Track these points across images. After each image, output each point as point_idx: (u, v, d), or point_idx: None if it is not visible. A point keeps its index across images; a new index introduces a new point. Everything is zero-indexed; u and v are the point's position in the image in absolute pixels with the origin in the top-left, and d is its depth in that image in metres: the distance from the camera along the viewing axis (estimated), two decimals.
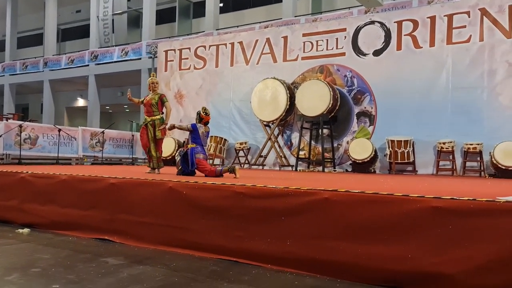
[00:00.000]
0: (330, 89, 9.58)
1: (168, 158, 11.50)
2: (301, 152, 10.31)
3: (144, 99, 6.76)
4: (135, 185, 4.39)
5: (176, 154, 6.14)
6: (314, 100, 9.67)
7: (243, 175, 6.19)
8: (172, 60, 12.96)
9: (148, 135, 6.51)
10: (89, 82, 21.05)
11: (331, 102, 9.53)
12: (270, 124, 10.81)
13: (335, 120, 9.99)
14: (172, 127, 6.02)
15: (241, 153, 11.41)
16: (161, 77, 13.36)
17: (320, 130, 9.87)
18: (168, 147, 11.47)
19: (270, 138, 10.55)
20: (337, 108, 9.85)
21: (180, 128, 5.94)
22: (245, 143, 11.10)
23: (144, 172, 6.50)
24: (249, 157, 11.28)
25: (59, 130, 10.95)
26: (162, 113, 6.70)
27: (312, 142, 10.29)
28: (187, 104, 12.51)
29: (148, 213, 4.20)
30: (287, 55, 10.93)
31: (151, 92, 6.68)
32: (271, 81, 10.50)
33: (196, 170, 5.78)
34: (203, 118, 5.91)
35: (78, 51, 22.44)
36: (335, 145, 10.06)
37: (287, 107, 10.19)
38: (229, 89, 11.88)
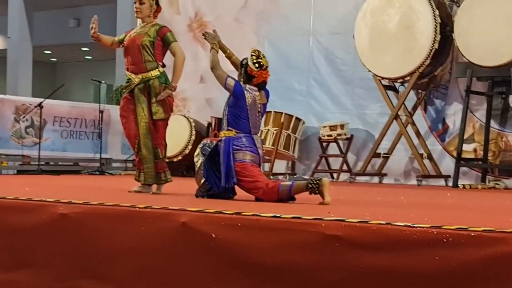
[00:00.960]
0: None
1: (176, 159, 11.74)
2: (467, 147, 10.22)
3: (126, 36, 6.97)
4: (111, 218, 4.57)
5: (196, 153, 6.30)
6: (499, 29, 9.53)
7: (341, 199, 6.21)
8: None
9: (137, 113, 6.70)
10: None
11: None
12: (397, 86, 10.72)
13: None
14: None
15: (332, 149, 11.46)
16: None
17: (511, 99, 9.75)
18: (177, 136, 11.68)
19: (397, 117, 10.50)
20: None
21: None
22: (342, 126, 11.15)
23: (128, 190, 6.71)
24: (350, 157, 11.30)
25: None
26: (164, 65, 6.88)
27: (493, 125, 10.18)
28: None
29: (139, 278, 4.34)
30: None
31: (139, 23, 6.88)
32: None
33: (237, 187, 5.92)
34: (254, 74, 6.02)
35: None
36: None
37: (436, 46, 10.09)
38: (307, 10, 11.94)
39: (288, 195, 5.69)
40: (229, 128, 5.93)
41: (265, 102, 6.17)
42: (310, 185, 5.60)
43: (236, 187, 5.92)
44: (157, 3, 6.93)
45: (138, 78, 6.69)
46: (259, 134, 6.18)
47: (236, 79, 6.03)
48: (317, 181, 5.61)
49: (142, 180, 6.72)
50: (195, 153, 6.28)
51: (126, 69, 6.85)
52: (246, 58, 6.04)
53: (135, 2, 6.83)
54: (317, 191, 5.59)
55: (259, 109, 6.06)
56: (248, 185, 5.82)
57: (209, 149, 6.01)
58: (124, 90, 6.89)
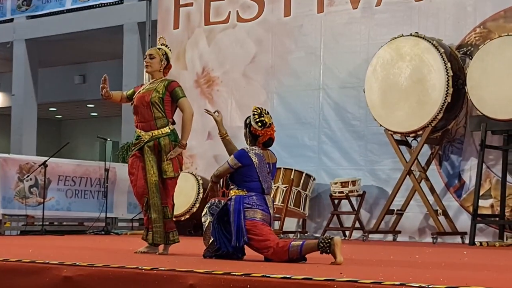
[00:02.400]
0: None
1: (184, 218, 11.71)
2: (483, 203, 10.16)
3: (135, 92, 7.02)
4: (116, 281, 4.55)
5: (204, 212, 6.28)
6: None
7: (354, 258, 6.16)
8: (191, 4, 13.39)
9: (147, 171, 6.74)
10: (15, 55, 22.00)
11: None
12: (410, 140, 10.75)
13: None
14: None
15: (344, 206, 11.45)
16: (166, 42, 13.71)
17: None
18: (184, 195, 11.68)
19: (410, 172, 10.49)
20: None
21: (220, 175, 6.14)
22: (354, 183, 11.13)
23: (134, 251, 6.68)
24: (363, 214, 11.27)
25: None
26: (174, 122, 6.90)
27: (510, 180, 10.14)
28: (223, 98, 12.82)
29: None
30: None
31: (148, 79, 6.93)
32: (411, 43, 10.51)
33: (246, 246, 5.90)
34: (258, 133, 6.07)
35: None
36: None
37: (449, 100, 10.11)
38: (316, 64, 12.02)
39: (299, 255, 5.65)
40: (238, 187, 5.97)
41: (274, 161, 6.18)
42: (321, 244, 5.57)
43: (246, 246, 5.89)
44: (167, 59, 7.03)
45: (148, 136, 6.76)
46: (270, 194, 6.19)
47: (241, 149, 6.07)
48: (329, 240, 5.57)
49: (150, 240, 6.71)
50: (203, 213, 6.25)
51: (136, 126, 6.93)
52: (249, 117, 6.08)
53: (145, 57, 6.95)
54: (328, 251, 5.55)
55: (268, 168, 6.08)
56: (258, 244, 5.80)
57: (217, 209, 6.00)
58: (133, 148, 6.93)
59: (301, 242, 5.69)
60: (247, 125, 6.07)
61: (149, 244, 6.73)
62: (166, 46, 7.20)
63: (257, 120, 6.02)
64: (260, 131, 6.02)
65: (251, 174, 5.96)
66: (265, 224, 5.91)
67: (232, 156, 6.04)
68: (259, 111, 6.07)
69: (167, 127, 6.75)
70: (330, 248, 5.54)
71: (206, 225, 6.07)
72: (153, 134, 6.74)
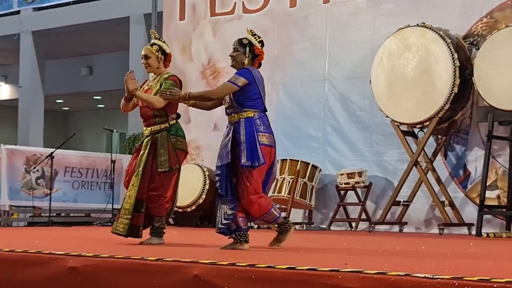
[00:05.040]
0: None
1: (190, 209, 11.73)
2: (490, 194, 10.14)
3: (141, 88, 7.06)
4: (121, 271, 4.56)
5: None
6: None
7: (359, 249, 6.16)
8: None
9: (137, 162, 6.81)
10: (22, 48, 22.03)
11: None
12: (416, 131, 10.75)
13: None
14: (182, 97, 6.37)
15: (350, 197, 11.45)
16: (172, 34, 13.77)
17: None
18: (190, 186, 11.70)
19: (416, 163, 10.48)
20: None
21: (204, 97, 6.40)
22: (360, 174, 11.13)
23: (139, 242, 6.70)
24: (369, 205, 11.27)
25: None
26: (178, 116, 6.98)
27: None
28: None
29: None
30: None
31: (151, 76, 7.00)
32: (418, 33, 10.48)
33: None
34: (259, 52, 6.29)
35: None
36: None
37: (455, 90, 10.09)
38: (322, 55, 12.01)
39: (274, 219, 6.16)
40: (245, 109, 6.13)
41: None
42: (284, 226, 6.14)
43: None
44: (164, 53, 7.00)
45: (148, 131, 6.84)
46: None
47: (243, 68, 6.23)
48: (286, 225, 6.16)
49: (114, 229, 6.72)
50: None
51: (142, 122, 7.02)
52: (245, 38, 6.24)
53: (146, 58, 6.95)
54: (283, 233, 6.11)
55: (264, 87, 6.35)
56: (244, 191, 6.07)
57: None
58: (140, 140, 7.12)
59: (278, 214, 6.14)
60: (246, 44, 6.20)
61: (113, 232, 6.74)
62: (159, 39, 7.15)
63: (258, 40, 6.26)
64: (260, 50, 6.25)
65: (256, 91, 6.15)
66: (263, 169, 6.11)
67: (236, 75, 6.14)
68: (252, 32, 6.33)
69: (167, 122, 6.79)
70: (284, 232, 6.11)
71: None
72: (152, 130, 6.81)
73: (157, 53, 6.93)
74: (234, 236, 6.08)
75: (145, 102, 6.78)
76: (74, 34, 21.35)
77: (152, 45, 7.02)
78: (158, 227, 6.77)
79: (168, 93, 6.33)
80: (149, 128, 6.83)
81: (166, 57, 7.03)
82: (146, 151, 6.74)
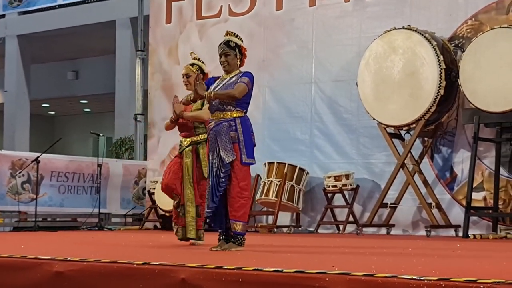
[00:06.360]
0: None
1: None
2: (476, 196, 10.17)
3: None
4: (108, 276, 4.56)
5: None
6: (505, 75, 9.54)
7: (347, 251, 6.15)
8: None
9: (184, 170, 7.40)
10: (7, 52, 22.00)
11: None
12: (403, 133, 10.77)
13: None
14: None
15: (337, 200, 11.44)
16: (158, 37, 13.76)
17: None
18: None
19: (403, 165, 10.50)
20: None
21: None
22: (347, 176, 11.14)
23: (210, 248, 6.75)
24: (356, 207, 11.27)
25: None
26: None
27: (503, 172, 10.13)
28: None
29: None
30: None
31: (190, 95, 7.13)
32: (404, 36, 10.50)
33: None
34: (245, 52, 6.55)
35: None
36: None
37: (441, 93, 10.12)
38: (308, 58, 12.01)
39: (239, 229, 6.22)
40: (238, 108, 6.34)
41: None
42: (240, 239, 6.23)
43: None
44: (202, 72, 7.40)
45: (187, 141, 7.45)
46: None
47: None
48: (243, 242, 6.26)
49: (180, 235, 7.32)
50: None
51: (180, 134, 7.61)
52: (231, 41, 6.44)
53: (183, 77, 7.64)
54: (237, 245, 6.18)
55: None
56: (235, 186, 6.23)
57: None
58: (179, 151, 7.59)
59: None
60: (235, 47, 6.43)
61: (180, 239, 7.36)
62: (198, 59, 7.71)
63: (240, 38, 6.51)
64: (245, 49, 6.52)
65: (250, 94, 6.41)
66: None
67: (247, 79, 6.35)
68: (233, 32, 6.59)
69: (205, 133, 7.14)
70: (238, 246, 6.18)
71: None
72: (192, 140, 7.42)
73: (197, 72, 7.19)
74: (233, 240, 6.24)
75: (193, 119, 7.36)
76: (60, 38, 21.35)
77: (192, 65, 7.60)
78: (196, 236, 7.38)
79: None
80: (188, 139, 7.43)
81: (204, 77, 7.25)
82: (190, 159, 7.36)
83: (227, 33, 6.49)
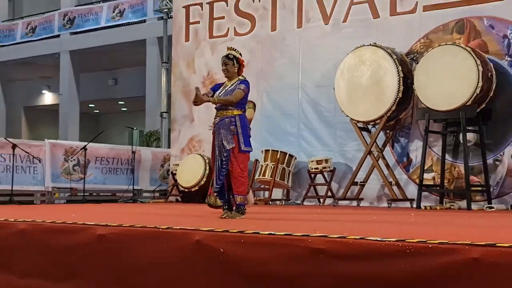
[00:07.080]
0: (478, 62, 9.39)
1: (194, 189, 11.76)
2: (427, 176, 10.17)
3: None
4: (140, 237, 4.57)
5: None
6: (449, 82, 9.53)
7: (326, 219, 6.16)
8: (198, 22, 13.37)
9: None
10: (62, 64, 22.09)
11: (480, 84, 9.33)
12: (370, 127, 10.77)
13: (489, 117, 9.78)
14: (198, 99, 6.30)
15: (318, 179, 11.44)
16: (179, 52, 13.74)
17: (461, 136, 9.72)
18: (194, 171, 11.74)
19: (370, 152, 10.50)
20: (491, 95, 9.64)
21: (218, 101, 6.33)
22: (326, 161, 11.13)
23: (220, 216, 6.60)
24: (334, 185, 11.28)
25: (14, 146, 11.47)
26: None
27: (448, 158, 10.13)
28: None
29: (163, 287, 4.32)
30: (397, 4, 10.90)
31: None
32: (371, 51, 10.48)
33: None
34: (242, 63, 6.42)
35: (43, 13, 23.56)
36: (489, 161, 9.84)
37: (400, 95, 10.11)
38: (296, 68, 12.00)
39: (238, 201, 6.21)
40: (238, 108, 6.29)
41: None
42: (242, 209, 6.21)
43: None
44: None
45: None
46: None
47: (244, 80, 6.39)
48: (244, 211, 6.23)
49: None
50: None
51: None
52: (229, 54, 6.34)
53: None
54: (240, 213, 6.16)
55: None
56: (236, 170, 6.18)
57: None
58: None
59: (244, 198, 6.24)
60: (233, 58, 6.33)
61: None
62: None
63: (238, 52, 6.40)
64: (242, 60, 6.40)
65: (247, 97, 6.38)
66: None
67: (244, 86, 6.27)
68: (232, 47, 6.51)
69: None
70: (241, 214, 6.16)
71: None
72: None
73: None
74: (236, 209, 6.23)
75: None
76: (103, 53, 21.38)
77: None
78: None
79: (202, 94, 6.32)
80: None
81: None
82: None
83: (228, 48, 6.46)
